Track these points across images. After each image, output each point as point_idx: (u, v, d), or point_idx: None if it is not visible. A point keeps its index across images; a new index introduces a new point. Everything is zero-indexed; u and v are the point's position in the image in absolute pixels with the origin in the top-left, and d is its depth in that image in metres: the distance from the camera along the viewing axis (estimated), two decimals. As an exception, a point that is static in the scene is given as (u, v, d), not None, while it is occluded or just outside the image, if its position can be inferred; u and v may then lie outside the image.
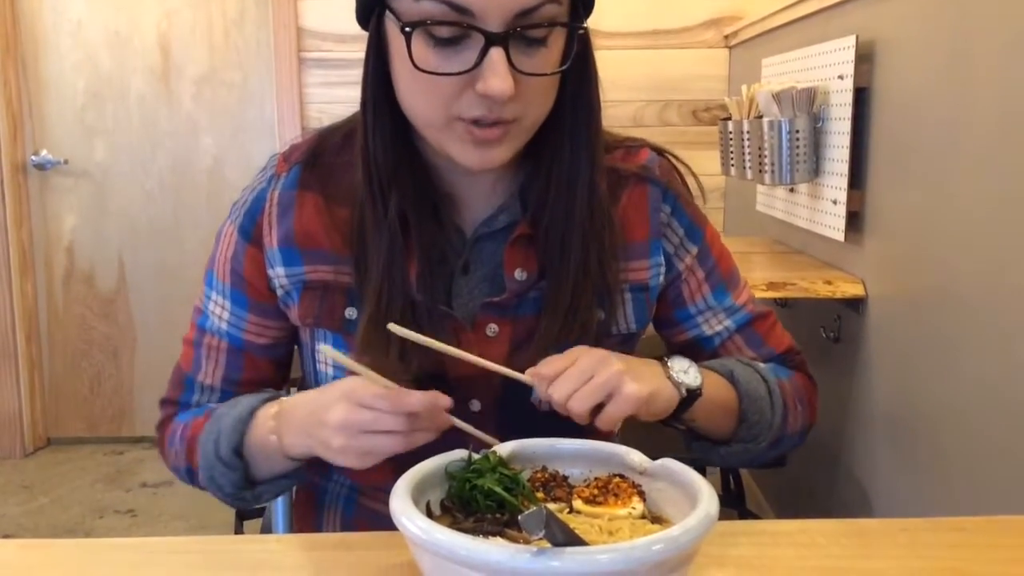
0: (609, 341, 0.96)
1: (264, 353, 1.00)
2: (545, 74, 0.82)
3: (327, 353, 0.93)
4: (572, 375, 0.81)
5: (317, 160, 0.96)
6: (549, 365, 0.82)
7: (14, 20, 3.26)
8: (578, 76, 0.89)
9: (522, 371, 0.92)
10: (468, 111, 0.81)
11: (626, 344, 1.00)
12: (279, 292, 0.96)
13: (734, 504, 2.27)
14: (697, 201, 1.05)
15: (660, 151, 1.03)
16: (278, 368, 1.03)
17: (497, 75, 0.78)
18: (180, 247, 3.42)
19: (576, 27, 0.84)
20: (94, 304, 3.46)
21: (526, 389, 0.94)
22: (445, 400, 0.79)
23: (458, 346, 0.90)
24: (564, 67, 0.84)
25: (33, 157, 3.33)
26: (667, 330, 1.06)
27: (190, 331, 1.03)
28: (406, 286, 0.90)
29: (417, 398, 0.77)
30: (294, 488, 1.14)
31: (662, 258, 0.99)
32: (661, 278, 1.00)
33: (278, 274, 0.95)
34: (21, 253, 3.34)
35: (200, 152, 3.38)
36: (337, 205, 0.94)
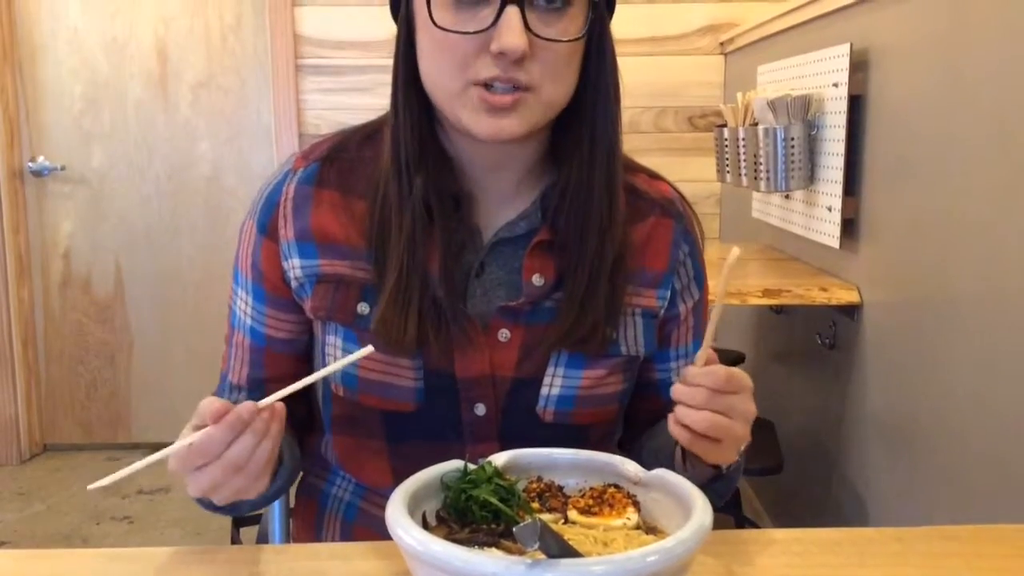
0: (615, 361, 0.97)
1: (284, 348, 1.00)
2: (560, 40, 0.84)
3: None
4: (718, 400, 0.79)
5: (337, 156, 0.98)
6: (716, 368, 0.80)
7: (11, 26, 3.26)
8: (596, 59, 0.91)
9: (529, 377, 0.94)
10: (483, 72, 0.83)
11: (630, 366, 1.00)
12: (293, 284, 0.96)
13: (730, 511, 2.27)
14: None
15: (676, 190, 1.06)
16: (299, 363, 1.02)
17: (512, 32, 0.80)
18: (177, 252, 3.42)
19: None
20: (91, 309, 3.46)
21: (530, 396, 0.94)
22: (244, 409, 0.74)
23: (469, 348, 0.92)
24: (579, 38, 0.86)
25: (30, 163, 3.33)
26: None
27: (227, 330, 1.04)
28: (427, 279, 0.91)
29: (215, 435, 0.73)
30: (292, 495, 1.14)
31: (669, 292, 1.01)
32: (663, 311, 1.01)
33: (293, 266, 0.95)
34: (18, 259, 3.34)
35: (197, 158, 3.38)
36: (356, 198, 0.95)
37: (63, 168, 3.35)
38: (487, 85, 0.84)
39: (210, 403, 0.75)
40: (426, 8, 0.83)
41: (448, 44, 0.84)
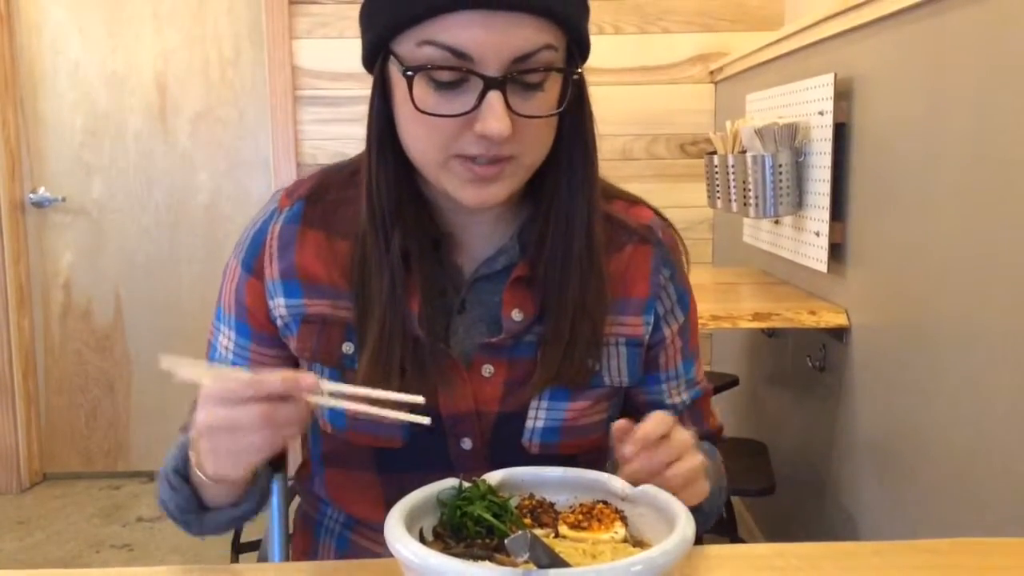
0: (599, 392, 0.98)
1: None
2: (541, 116, 0.85)
3: (164, 365, 0.83)
4: (667, 450, 0.81)
5: (321, 196, 0.98)
6: (653, 424, 0.81)
7: (12, 60, 3.31)
8: (574, 119, 0.91)
9: (513, 411, 0.95)
10: (467, 149, 0.84)
11: (614, 397, 1.02)
12: (279, 323, 0.97)
13: (726, 532, 2.29)
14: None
15: (658, 213, 1.06)
16: (281, 397, 1.03)
17: (495, 117, 0.81)
18: (176, 282, 3.46)
19: (571, 72, 0.87)
20: (91, 339, 3.49)
21: (516, 429, 0.95)
22: (308, 379, 0.76)
23: (452, 385, 0.93)
24: (560, 110, 0.87)
25: (31, 195, 3.37)
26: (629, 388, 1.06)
27: None
28: (407, 322, 0.92)
29: (276, 379, 0.76)
30: (291, 521, 1.16)
31: (652, 317, 1.01)
32: (648, 337, 1.02)
33: (278, 304, 0.97)
34: (18, 289, 3.37)
35: (196, 188, 3.42)
36: (339, 239, 0.96)
37: (63, 199, 3.39)
38: (470, 157, 0.85)
39: (283, 372, 0.77)
40: (407, 88, 0.83)
41: (430, 123, 0.84)
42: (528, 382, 0.95)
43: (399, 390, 0.89)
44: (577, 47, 0.89)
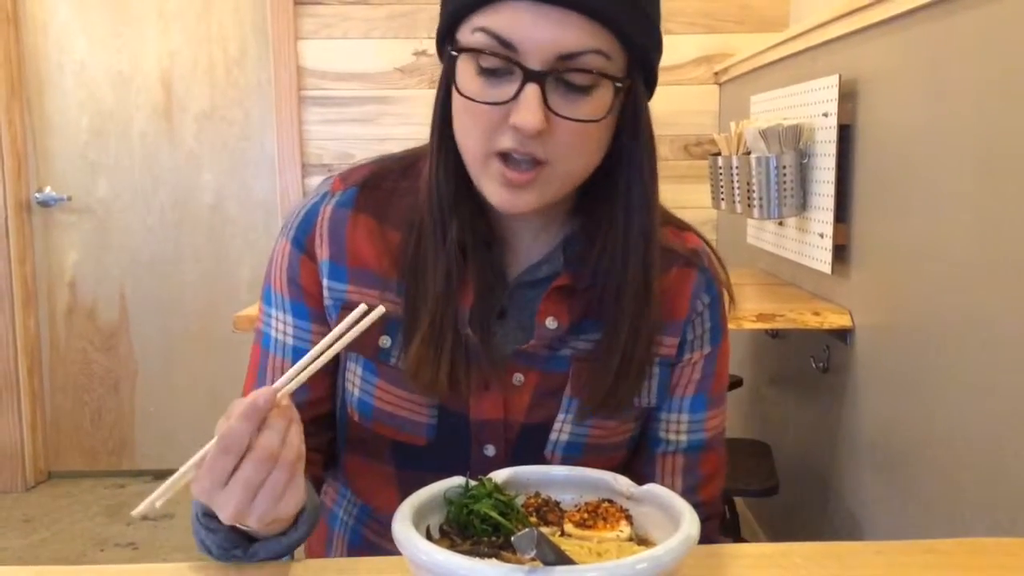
0: (628, 414, 0.97)
1: (327, 366, 0.96)
2: (579, 120, 0.83)
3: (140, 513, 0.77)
4: None
5: (377, 184, 0.98)
6: None
7: (19, 60, 3.33)
8: (630, 136, 0.89)
9: (539, 423, 0.94)
10: (501, 143, 0.83)
11: (638, 421, 1.00)
12: (326, 303, 0.97)
13: (729, 532, 2.30)
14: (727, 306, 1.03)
15: (707, 243, 1.04)
16: (336, 384, 1.02)
17: (528, 109, 0.80)
18: (181, 281, 3.47)
19: (617, 81, 0.83)
20: (96, 338, 3.50)
21: (539, 441, 0.95)
22: (265, 393, 0.74)
23: (484, 390, 0.92)
24: (600, 119, 0.84)
25: (37, 194, 3.39)
26: None
27: (252, 358, 1.01)
28: (459, 316, 0.91)
29: (242, 424, 0.72)
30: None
31: (679, 339, 0.99)
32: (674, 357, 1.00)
33: (325, 286, 0.96)
34: (24, 288, 3.39)
35: (201, 188, 3.44)
36: (391, 229, 0.95)
37: (69, 199, 3.41)
38: (506, 157, 0.84)
39: (236, 404, 0.73)
40: (454, 72, 0.84)
41: (473, 110, 0.84)
42: (557, 395, 0.95)
43: (448, 386, 0.90)
44: (640, 67, 0.86)
